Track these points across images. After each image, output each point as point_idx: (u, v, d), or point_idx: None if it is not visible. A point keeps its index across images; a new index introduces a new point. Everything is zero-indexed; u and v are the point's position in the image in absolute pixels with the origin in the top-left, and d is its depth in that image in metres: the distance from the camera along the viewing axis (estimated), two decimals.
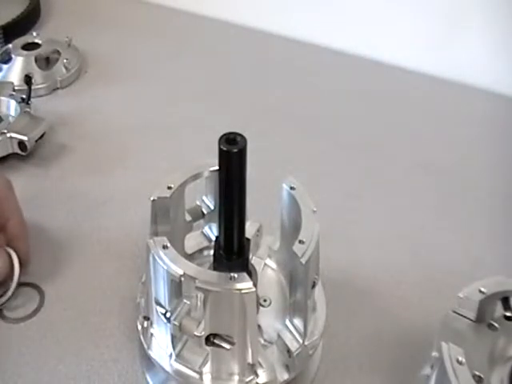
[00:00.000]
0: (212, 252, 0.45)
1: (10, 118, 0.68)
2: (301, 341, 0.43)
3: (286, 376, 0.43)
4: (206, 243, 0.51)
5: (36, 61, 0.77)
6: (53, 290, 0.53)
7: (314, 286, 0.44)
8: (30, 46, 0.79)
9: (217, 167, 0.40)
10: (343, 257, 0.57)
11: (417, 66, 0.83)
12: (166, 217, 0.45)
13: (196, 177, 0.47)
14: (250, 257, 0.45)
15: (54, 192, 0.63)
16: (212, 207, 0.49)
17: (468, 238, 0.60)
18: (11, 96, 0.69)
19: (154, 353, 0.44)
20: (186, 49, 0.87)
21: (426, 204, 0.64)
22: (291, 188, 0.45)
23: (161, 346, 0.44)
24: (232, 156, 0.38)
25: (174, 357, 0.43)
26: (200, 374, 0.42)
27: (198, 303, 0.43)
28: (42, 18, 0.92)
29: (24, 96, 0.69)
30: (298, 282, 0.42)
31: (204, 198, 0.49)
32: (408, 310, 0.53)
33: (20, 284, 0.52)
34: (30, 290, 0.53)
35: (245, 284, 0.38)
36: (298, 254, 0.40)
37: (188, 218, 0.48)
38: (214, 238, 0.45)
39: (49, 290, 0.53)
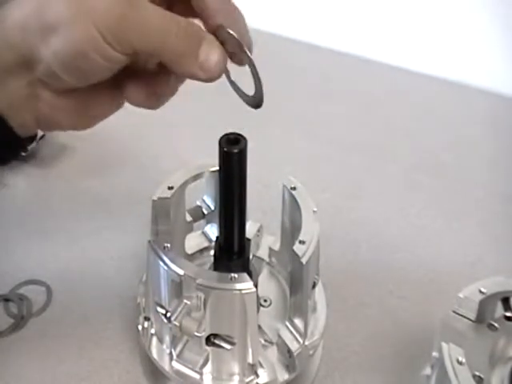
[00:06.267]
0: (212, 252, 0.45)
1: None
2: (301, 341, 0.43)
3: (286, 376, 0.43)
4: (206, 243, 0.51)
5: None
6: (53, 289, 0.53)
7: (314, 286, 0.44)
8: None
9: (217, 167, 0.40)
10: (343, 257, 0.57)
11: (417, 66, 0.83)
12: (167, 217, 0.45)
13: (197, 177, 0.47)
14: (251, 257, 0.45)
15: (55, 192, 0.63)
16: (212, 207, 0.49)
17: (468, 238, 0.60)
18: None
19: (154, 353, 0.44)
20: None
21: (426, 204, 0.64)
22: (292, 188, 0.45)
23: (161, 346, 0.44)
24: (232, 156, 0.38)
25: (174, 357, 0.43)
26: (200, 374, 0.42)
27: (199, 303, 0.43)
28: None
29: None
30: (299, 282, 0.42)
31: (204, 198, 0.49)
32: (408, 310, 0.53)
33: (27, 282, 0.52)
34: (37, 288, 0.53)
35: (245, 284, 0.38)
36: (298, 254, 0.40)
37: (188, 218, 0.48)
38: (214, 239, 0.45)
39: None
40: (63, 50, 0.32)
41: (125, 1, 0.32)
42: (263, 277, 0.49)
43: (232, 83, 0.38)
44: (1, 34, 0.33)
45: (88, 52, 0.32)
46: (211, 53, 0.34)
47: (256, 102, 0.36)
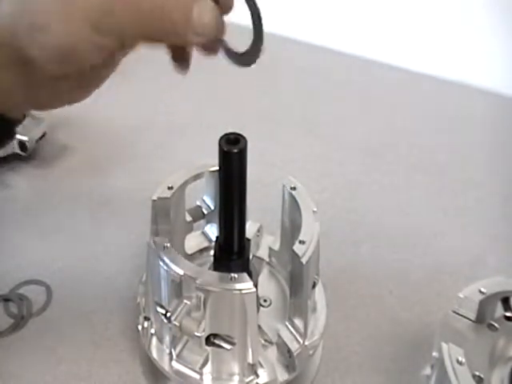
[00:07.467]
0: (212, 252, 0.45)
1: None
2: (301, 341, 0.43)
3: (286, 376, 0.43)
4: (206, 243, 0.51)
5: None
6: (53, 289, 0.53)
7: (314, 286, 0.44)
8: None
9: (217, 167, 0.40)
10: (343, 257, 0.57)
11: (417, 66, 0.83)
12: (167, 217, 0.45)
13: (196, 177, 0.47)
14: (251, 257, 0.45)
15: (55, 192, 0.63)
16: (212, 207, 0.49)
17: (468, 238, 0.60)
18: None
19: (154, 353, 0.44)
20: None
21: (426, 204, 0.64)
22: (292, 188, 0.45)
23: (161, 346, 0.44)
24: (232, 156, 0.39)
25: (174, 357, 0.43)
26: (200, 374, 0.42)
27: (199, 303, 0.43)
28: None
29: None
30: (299, 282, 0.42)
31: (204, 198, 0.49)
32: (408, 310, 0.53)
33: (27, 282, 0.53)
34: (37, 288, 0.53)
35: (245, 284, 0.38)
36: (298, 254, 0.40)
37: (188, 218, 0.48)
38: (214, 239, 0.45)
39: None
40: (53, 48, 0.32)
41: None
42: (263, 277, 0.49)
43: (225, 49, 0.35)
44: None
45: (79, 46, 0.32)
46: (203, 15, 0.33)
47: (251, 56, 0.34)
